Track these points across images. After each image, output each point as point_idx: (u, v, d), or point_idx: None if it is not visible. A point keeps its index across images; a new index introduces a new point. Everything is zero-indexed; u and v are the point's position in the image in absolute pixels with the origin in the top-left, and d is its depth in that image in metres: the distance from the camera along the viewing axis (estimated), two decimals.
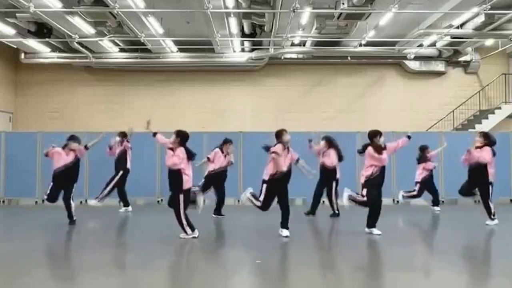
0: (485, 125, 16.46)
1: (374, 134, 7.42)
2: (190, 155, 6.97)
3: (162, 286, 5.14)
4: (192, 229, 7.05)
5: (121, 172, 9.92)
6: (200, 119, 17.93)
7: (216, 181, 9.17)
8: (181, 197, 6.89)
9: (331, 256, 6.60)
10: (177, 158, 6.80)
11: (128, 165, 10.07)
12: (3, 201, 11.81)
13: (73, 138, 8.50)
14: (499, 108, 17.11)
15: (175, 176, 6.87)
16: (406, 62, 18.15)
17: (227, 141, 9.23)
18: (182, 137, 7.01)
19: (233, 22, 13.66)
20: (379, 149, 7.29)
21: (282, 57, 17.59)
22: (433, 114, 18.25)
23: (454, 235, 7.99)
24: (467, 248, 7.17)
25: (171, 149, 6.92)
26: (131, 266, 5.79)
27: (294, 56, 17.59)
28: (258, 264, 5.93)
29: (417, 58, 17.83)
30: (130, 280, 5.15)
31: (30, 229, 8.14)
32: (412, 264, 5.95)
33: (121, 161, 9.96)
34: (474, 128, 16.24)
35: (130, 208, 10.22)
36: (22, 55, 17.31)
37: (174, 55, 17.34)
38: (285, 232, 7.23)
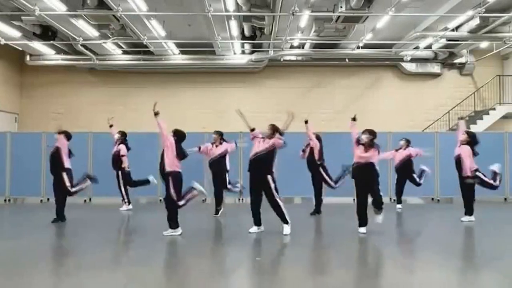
0: (480, 126, 16.47)
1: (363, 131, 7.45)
2: (182, 155, 7.09)
3: (163, 281, 5.13)
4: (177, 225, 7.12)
5: (120, 172, 9.99)
6: (201, 120, 17.91)
7: (216, 172, 9.21)
8: (170, 178, 6.98)
9: (330, 254, 6.57)
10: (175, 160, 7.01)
11: (124, 164, 10.08)
12: (9, 200, 11.80)
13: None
14: (494, 109, 17.12)
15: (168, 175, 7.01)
16: (403, 64, 18.16)
17: (214, 133, 9.41)
18: (178, 136, 7.24)
19: (233, 24, 13.65)
20: (357, 142, 7.32)
21: (282, 59, 17.58)
22: (429, 114, 18.27)
23: (447, 232, 7.97)
24: (462, 245, 7.17)
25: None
26: (133, 263, 5.76)
27: (293, 58, 17.60)
28: (258, 261, 5.94)
29: (413, 60, 17.84)
30: (132, 276, 5.13)
31: (35, 227, 8.12)
32: (404, 261, 5.97)
33: (116, 162, 10.00)
34: (469, 128, 16.24)
35: (130, 206, 10.22)
36: (28, 57, 17.33)
37: (176, 57, 17.35)
38: (285, 229, 7.18)
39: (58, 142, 8.39)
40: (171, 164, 6.99)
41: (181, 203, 7.01)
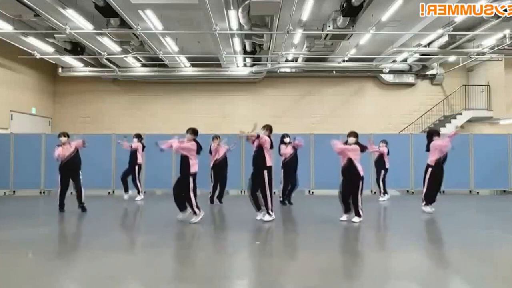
0: (448, 129, 16.43)
1: (347, 134, 7.37)
2: (199, 149, 7.02)
3: (173, 262, 5.11)
4: (199, 209, 7.03)
5: (137, 167, 10.05)
6: (209, 123, 17.91)
7: (218, 170, 9.34)
8: (191, 179, 6.86)
9: (321, 239, 6.55)
10: (190, 146, 6.88)
11: (140, 161, 10.13)
12: (44, 192, 11.80)
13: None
14: (460, 114, 17.09)
15: (185, 161, 6.88)
16: (382, 75, 18.16)
17: (213, 138, 9.50)
18: (194, 133, 7.05)
19: (236, 41, 13.66)
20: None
21: (278, 71, 17.58)
22: (405, 118, 18.27)
23: (419, 221, 7.95)
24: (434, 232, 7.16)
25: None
26: (146, 246, 5.72)
27: (288, 70, 17.59)
28: (258, 245, 5.92)
29: (391, 72, 17.86)
30: (145, 258, 5.10)
31: (64, 216, 8.10)
32: (384, 245, 5.95)
33: (133, 157, 10.04)
34: (439, 130, 16.20)
35: (126, 196, 10.20)
36: (60, 69, 17.34)
37: (187, 69, 17.34)
38: (261, 216, 7.21)
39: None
40: (196, 165, 6.93)
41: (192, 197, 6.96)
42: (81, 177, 8.28)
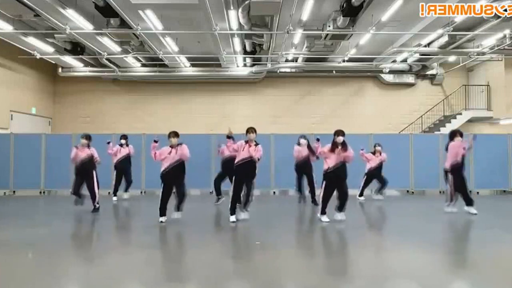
0: (448, 129, 16.44)
1: (335, 133, 7.05)
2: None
3: (172, 262, 5.11)
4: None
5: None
6: (209, 123, 17.93)
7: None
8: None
9: (315, 240, 6.57)
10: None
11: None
12: (44, 192, 11.80)
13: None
14: (460, 114, 17.10)
15: (183, 165, 7.33)
16: (382, 75, 18.16)
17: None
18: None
19: (236, 41, 13.66)
20: (333, 147, 6.96)
21: (278, 71, 17.58)
22: (405, 118, 18.27)
23: (419, 220, 7.95)
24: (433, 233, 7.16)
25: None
26: (146, 246, 5.70)
27: (288, 70, 17.59)
28: (258, 245, 5.91)
29: (391, 72, 17.86)
30: (144, 258, 5.10)
31: (64, 216, 8.10)
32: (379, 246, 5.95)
33: (128, 161, 10.44)
34: (439, 130, 16.25)
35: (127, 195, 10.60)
36: (60, 69, 17.34)
37: (187, 69, 17.34)
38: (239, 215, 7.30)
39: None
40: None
41: None
42: (94, 180, 8.30)
